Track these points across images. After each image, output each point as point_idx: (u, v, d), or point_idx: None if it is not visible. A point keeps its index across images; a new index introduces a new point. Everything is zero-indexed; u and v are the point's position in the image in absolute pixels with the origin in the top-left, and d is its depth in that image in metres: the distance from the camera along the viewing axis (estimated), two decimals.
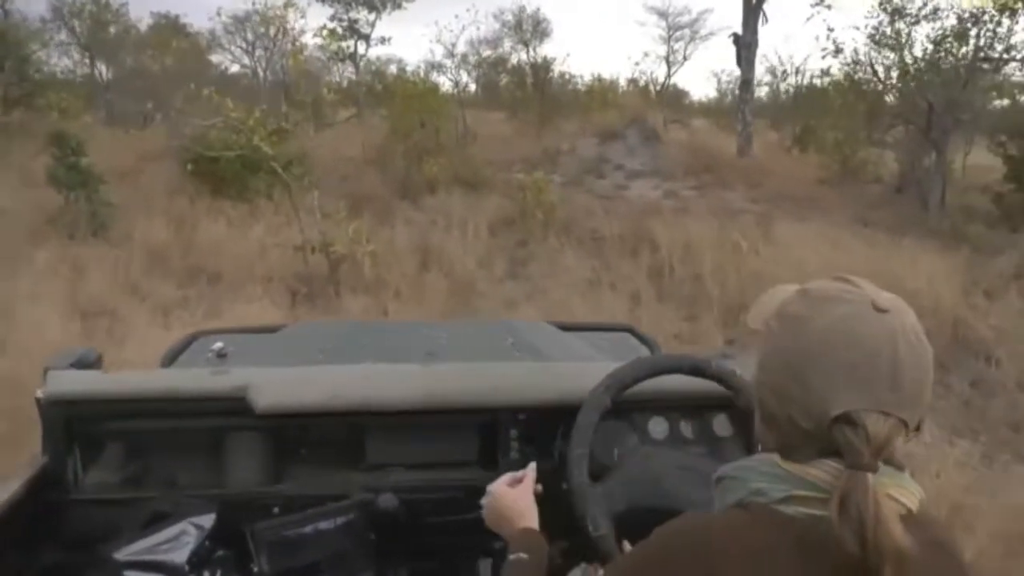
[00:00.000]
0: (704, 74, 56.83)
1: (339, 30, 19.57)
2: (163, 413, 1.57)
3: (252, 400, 1.54)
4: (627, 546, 1.28)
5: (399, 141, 13.14)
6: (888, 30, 12.18)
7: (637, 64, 52.88)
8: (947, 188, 12.06)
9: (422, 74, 21.02)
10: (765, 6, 15.88)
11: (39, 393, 1.52)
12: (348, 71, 22.38)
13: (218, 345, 2.24)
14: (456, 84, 21.18)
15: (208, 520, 1.46)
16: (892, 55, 12.38)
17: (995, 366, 5.58)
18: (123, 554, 1.39)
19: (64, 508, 1.53)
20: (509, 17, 22.38)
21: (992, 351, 5.73)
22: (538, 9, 27.25)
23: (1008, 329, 6.02)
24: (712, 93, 32.22)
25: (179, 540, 1.42)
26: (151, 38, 18.96)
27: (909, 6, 11.95)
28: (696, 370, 1.54)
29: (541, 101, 18.63)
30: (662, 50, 28.38)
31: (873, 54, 12.62)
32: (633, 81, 22.98)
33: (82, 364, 1.68)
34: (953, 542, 0.87)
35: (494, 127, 18.49)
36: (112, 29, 20.09)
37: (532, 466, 1.39)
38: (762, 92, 22.02)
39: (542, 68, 20.06)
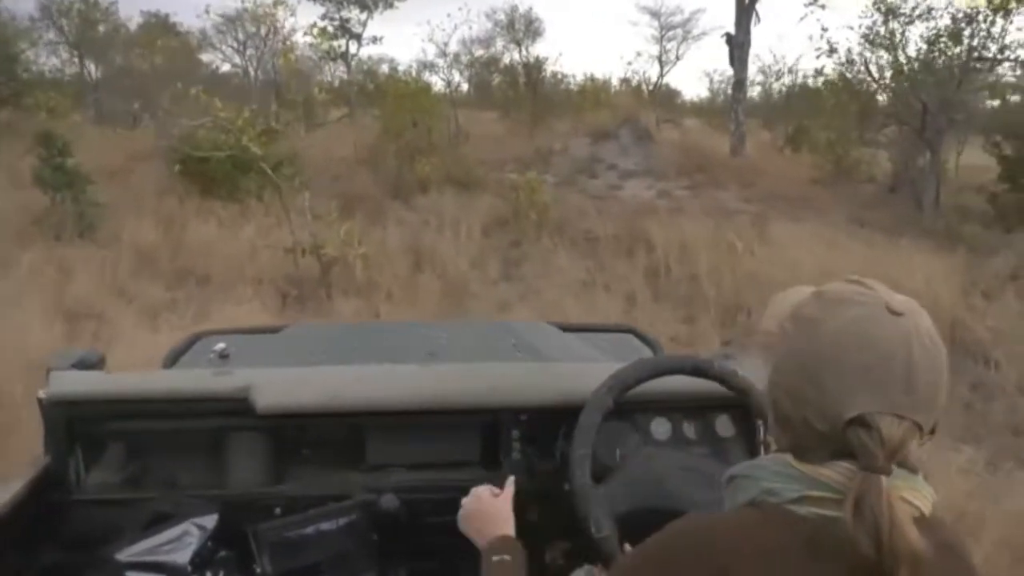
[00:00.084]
0: (696, 74, 56.97)
1: (330, 29, 19.47)
2: (165, 414, 1.57)
3: (254, 401, 1.54)
4: (629, 548, 1.27)
5: (391, 141, 13.07)
6: (882, 30, 12.17)
7: (629, 64, 52.90)
8: (941, 188, 12.05)
9: (414, 73, 20.92)
10: (758, 6, 15.87)
11: (41, 393, 1.51)
12: (340, 70, 22.27)
13: (220, 346, 2.25)
14: (448, 84, 21.08)
15: (210, 521, 1.46)
16: (886, 55, 12.37)
17: (994, 368, 5.53)
18: (125, 555, 1.38)
19: (66, 508, 1.52)
20: (501, 16, 22.31)
21: (990, 353, 5.68)
22: (530, 8, 27.11)
23: (1006, 331, 5.98)
24: (704, 93, 32.28)
25: (181, 541, 1.42)
26: (140, 37, 18.80)
27: (903, 6, 11.95)
28: (698, 371, 1.53)
29: (533, 101, 18.59)
30: (654, 50, 28.40)
31: (867, 54, 12.61)
32: (626, 81, 22.91)
33: (84, 365, 1.68)
34: (964, 546, 0.87)
35: (486, 127, 18.41)
36: (101, 28, 19.88)
37: (511, 480, 1.41)
38: (754, 92, 22.04)
39: (534, 68, 20.01)
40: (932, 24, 11.86)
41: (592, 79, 19.90)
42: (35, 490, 1.46)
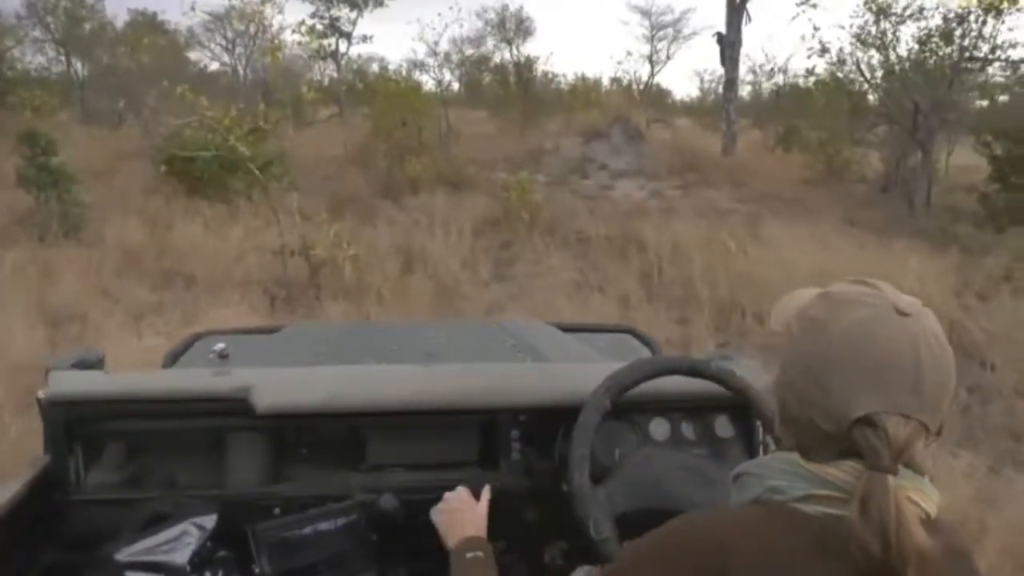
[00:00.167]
0: (686, 73, 57.08)
1: (320, 28, 19.35)
2: (164, 414, 1.57)
3: (253, 401, 1.53)
4: None
5: (381, 140, 13.01)
6: (873, 29, 12.17)
7: (620, 63, 53.01)
8: (932, 188, 12.06)
9: (404, 72, 20.81)
10: (748, 5, 15.86)
11: (40, 393, 1.51)
12: (330, 69, 22.14)
13: (219, 346, 2.25)
14: (439, 83, 20.95)
15: (209, 521, 1.45)
16: (877, 55, 12.37)
17: (990, 370, 5.48)
18: (124, 554, 1.38)
19: (65, 508, 1.52)
20: (492, 15, 22.24)
21: (985, 355, 5.64)
22: (521, 8, 27.09)
23: (1000, 332, 5.93)
24: (694, 92, 32.31)
25: (180, 541, 1.41)
26: (127, 35, 18.61)
27: (894, 5, 11.94)
28: (695, 371, 1.53)
29: (524, 100, 18.53)
30: (645, 49, 28.41)
31: (859, 54, 12.60)
32: (616, 80, 22.87)
33: (84, 365, 1.67)
34: (970, 550, 0.86)
35: (477, 126, 18.33)
36: (87, 26, 19.66)
37: (487, 488, 1.44)
38: (744, 91, 22.03)
39: (525, 67, 19.96)
40: (923, 24, 11.89)
41: (583, 78, 19.89)
42: (35, 490, 1.46)
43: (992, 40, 11.39)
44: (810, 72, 14.24)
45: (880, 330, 0.80)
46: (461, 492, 1.42)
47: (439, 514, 1.39)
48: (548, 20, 61.15)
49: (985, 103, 14.09)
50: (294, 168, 11.53)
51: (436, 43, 20.91)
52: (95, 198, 9.27)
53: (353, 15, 20.41)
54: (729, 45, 16.15)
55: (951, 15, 11.55)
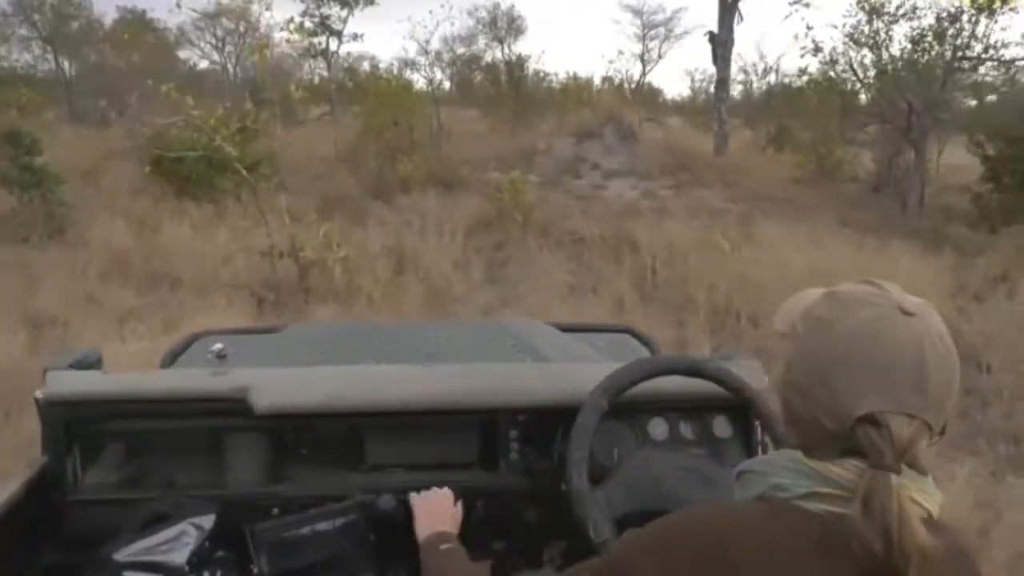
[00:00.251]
0: (677, 73, 57.08)
1: (310, 26, 19.20)
2: (163, 414, 1.57)
3: (252, 401, 1.53)
4: None
5: (372, 139, 12.92)
6: (866, 29, 12.14)
7: (611, 62, 53.08)
8: (925, 188, 12.05)
9: (395, 71, 20.72)
10: (740, 4, 15.83)
11: (39, 393, 1.51)
12: (320, 68, 21.99)
13: (218, 346, 2.24)
14: (430, 82, 20.88)
15: (208, 521, 1.45)
16: (870, 54, 12.35)
17: (986, 373, 5.43)
18: (123, 555, 1.38)
19: (64, 508, 1.53)
20: (483, 14, 22.22)
21: (982, 357, 5.58)
22: (512, 6, 27.09)
23: (997, 333, 5.88)
24: (685, 92, 32.32)
25: (179, 541, 1.42)
26: (115, 33, 18.43)
27: (887, 5, 11.92)
28: (693, 370, 1.52)
29: (516, 99, 18.46)
30: (637, 48, 28.44)
31: (851, 53, 12.58)
32: (608, 79, 22.84)
33: (82, 365, 1.67)
34: (972, 552, 0.86)
35: (468, 125, 18.25)
36: (75, 24, 19.44)
37: (460, 502, 1.48)
38: (735, 91, 22.00)
39: (517, 66, 19.90)
40: (916, 23, 11.87)
41: (575, 77, 19.85)
42: (33, 490, 1.46)
43: (985, 40, 11.40)
44: (803, 71, 14.23)
45: (886, 330, 0.80)
46: (447, 491, 1.46)
47: (423, 504, 1.41)
48: (539, 19, 61.07)
49: (975, 103, 14.11)
50: (284, 168, 11.42)
51: (427, 41, 20.92)
52: (81, 198, 9.14)
53: (343, 13, 20.29)
54: (721, 44, 16.12)
55: (944, 14, 11.54)
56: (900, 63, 11.98)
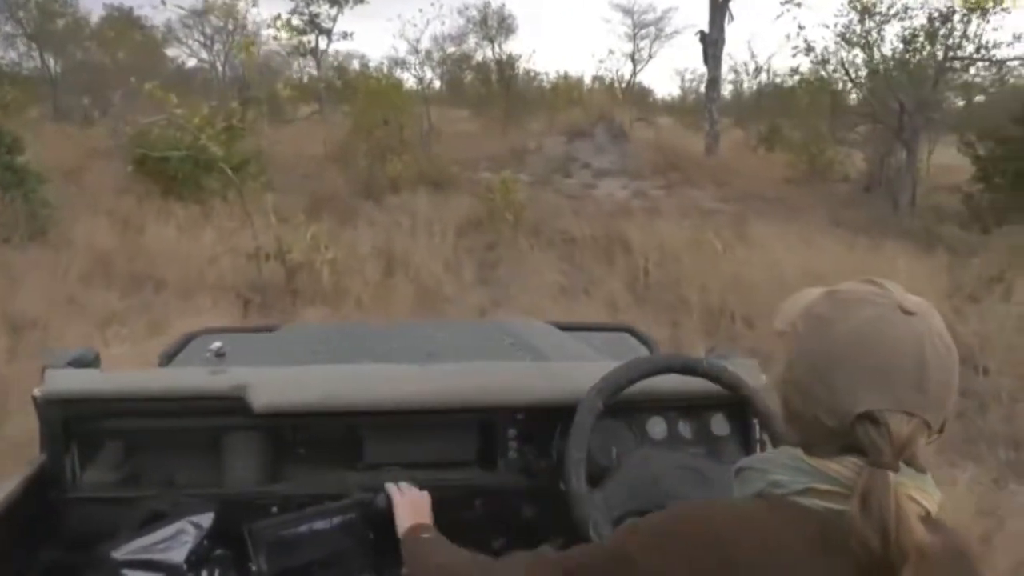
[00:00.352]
0: (667, 72, 57.24)
1: (299, 24, 19.05)
2: (161, 412, 1.57)
3: (250, 399, 1.53)
4: None
5: (362, 139, 12.82)
6: (858, 28, 12.13)
7: (602, 62, 53.07)
8: (916, 188, 12.04)
9: (385, 70, 20.58)
10: (731, 4, 15.81)
11: (37, 392, 1.51)
12: (310, 66, 21.83)
13: (216, 344, 2.23)
14: (420, 81, 20.75)
15: (206, 519, 1.45)
16: (861, 54, 12.34)
17: (983, 375, 5.38)
18: (121, 553, 1.38)
19: (62, 507, 1.53)
20: (474, 13, 22.13)
21: (979, 359, 5.52)
22: (503, 5, 27.03)
23: (994, 335, 5.83)
24: (675, 91, 32.35)
25: (177, 539, 1.42)
26: (102, 31, 18.23)
27: (879, 4, 11.89)
28: (688, 368, 1.52)
29: (507, 98, 18.39)
30: (627, 48, 28.40)
31: (843, 53, 12.57)
32: (599, 79, 22.77)
33: (80, 363, 1.67)
34: (971, 551, 0.86)
35: (459, 125, 18.17)
36: (60, 21, 19.20)
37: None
38: (725, 90, 21.99)
39: (507, 65, 19.84)
40: (908, 23, 11.86)
41: (565, 77, 19.77)
42: (31, 488, 1.46)
43: (977, 40, 11.39)
44: (795, 71, 14.22)
45: (886, 329, 0.80)
46: (425, 493, 1.45)
47: (403, 497, 1.41)
48: (530, 18, 61.06)
49: (963, 103, 14.14)
50: (272, 167, 11.28)
51: (417, 40, 20.79)
52: (64, 198, 8.96)
53: (333, 11, 20.12)
54: (712, 44, 16.09)
55: (935, 14, 11.53)
56: (892, 63, 11.97)
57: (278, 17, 14.38)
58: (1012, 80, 13.03)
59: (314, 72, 21.43)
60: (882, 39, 12.04)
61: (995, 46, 11.45)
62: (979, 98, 14.11)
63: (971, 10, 10.99)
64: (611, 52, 30.40)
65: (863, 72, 12.57)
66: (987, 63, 11.87)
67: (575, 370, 1.67)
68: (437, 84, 23.67)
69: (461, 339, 2.48)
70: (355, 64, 24.64)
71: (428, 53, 21.17)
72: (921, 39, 11.60)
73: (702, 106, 17.62)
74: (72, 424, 1.54)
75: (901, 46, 11.90)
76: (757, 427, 1.65)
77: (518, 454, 1.64)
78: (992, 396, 5.00)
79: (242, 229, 7.67)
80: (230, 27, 20.67)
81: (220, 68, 22.36)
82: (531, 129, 16.37)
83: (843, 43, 12.45)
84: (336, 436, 1.64)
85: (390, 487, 1.45)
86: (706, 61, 16.39)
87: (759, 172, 14.62)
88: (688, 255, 8.05)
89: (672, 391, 1.62)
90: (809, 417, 0.84)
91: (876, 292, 0.84)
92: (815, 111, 14.53)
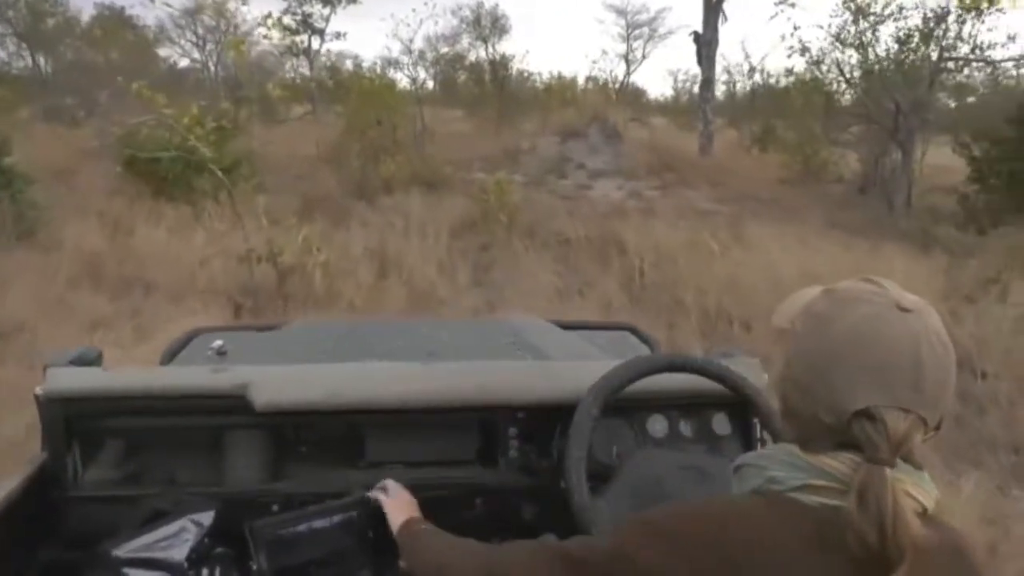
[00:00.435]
0: (660, 73, 57.25)
1: (292, 23, 18.96)
2: (163, 410, 1.58)
3: (252, 398, 1.53)
4: None
5: (355, 139, 12.74)
6: (852, 29, 12.11)
7: (595, 62, 53.05)
8: (912, 189, 12.03)
9: (378, 70, 20.49)
10: (724, 5, 15.78)
11: (38, 390, 1.50)
12: (302, 66, 21.72)
13: (218, 343, 2.24)
14: (413, 81, 20.66)
15: (207, 517, 1.46)
16: (856, 54, 12.32)
17: (981, 378, 5.32)
18: (122, 551, 1.38)
19: (63, 505, 1.53)
20: (467, 13, 22.09)
21: (976, 362, 5.47)
22: (496, 5, 26.96)
23: (991, 338, 5.77)
24: (668, 92, 32.34)
25: (178, 537, 1.42)
26: (93, 30, 18.08)
27: (873, 5, 11.88)
28: (690, 368, 1.53)
29: (500, 99, 18.33)
30: (621, 48, 28.39)
31: (837, 53, 12.55)
32: (592, 79, 22.73)
33: (82, 361, 1.67)
34: (969, 547, 0.85)
35: (452, 125, 18.09)
36: (51, 21, 19.05)
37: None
38: (719, 91, 21.97)
39: (501, 65, 19.79)
40: (903, 24, 11.85)
41: (559, 77, 19.73)
42: (32, 487, 1.47)
43: (972, 40, 11.38)
44: (789, 71, 14.21)
45: (883, 327, 0.81)
46: (406, 491, 1.45)
47: (389, 498, 1.41)
48: (523, 18, 60.98)
49: (954, 104, 14.15)
50: (264, 168, 11.19)
51: (411, 40, 20.68)
52: (53, 199, 8.85)
53: (326, 11, 20.02)
54: (705, 44, 16.06)
55: (930, 15, 11.53)
56: (887, 63, 11.95)
57: (268, 15, 14.24)
58: (1005, 81, 13.04)
59: (307, 72, 21.34)
60: (877, 39, 12.04)
61: (990, 47, 11.46)
62: (970, 99, 14.13)
63: (966, 10, 10.97)
64: (604, 53, 30.37)
65: (857, 72, 12.55)
66: (982, 64, 11.86)
67: (576, 369, 1.67)
68: (430, 84, 23.63)
69: (462, 338, 2.47)
70: (348, 64, 24.59)
71: (421, 53, 21.10)
72: (916, 40, 11.58)
73: (695, 107, 17.60)
74: (74, 422, 1.54)
75: (896, 46, 11.89)
76: (758, 426, 1.64)
77: (519, 453, 1.64)
78: (990, 400, 4.95)
79: (233, 231, 7.58)
80: (222, 27, 20.58)
81: (212, 68, 22.26)
82: (525, 130, 16.30)
83: (838, 44, 12.43)
84: (337, 434, 1.64)
85: (375, 493, 1.45)
86: (700, 61, 16.35)
87: (753, 173, 14.59)
88: (684, 256, 7.98)
89: (673, 390, 1.62)
90: (807, 414, 0.85)
91: (874, 290, 0.85)
92: (809, 111, 14.51)
